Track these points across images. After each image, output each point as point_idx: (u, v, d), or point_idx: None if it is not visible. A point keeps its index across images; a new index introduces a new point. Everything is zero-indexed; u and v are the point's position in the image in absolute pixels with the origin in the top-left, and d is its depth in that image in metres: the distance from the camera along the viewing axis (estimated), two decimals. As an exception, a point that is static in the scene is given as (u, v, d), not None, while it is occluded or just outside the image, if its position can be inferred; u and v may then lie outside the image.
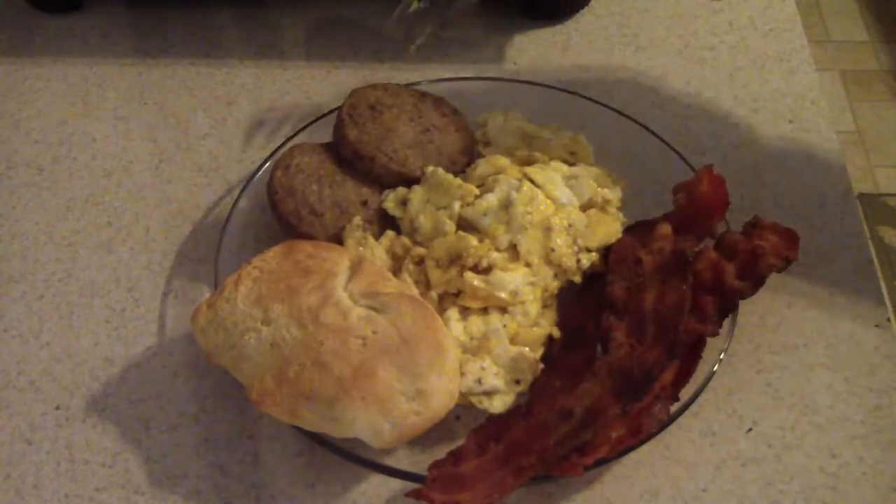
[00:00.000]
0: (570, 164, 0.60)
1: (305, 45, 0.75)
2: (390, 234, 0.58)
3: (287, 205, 0.58)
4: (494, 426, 0.50)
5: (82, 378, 0.56)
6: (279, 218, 0.59)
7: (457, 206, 0.56)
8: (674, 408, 0.51)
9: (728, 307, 0.54)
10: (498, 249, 0.55)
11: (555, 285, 0.55)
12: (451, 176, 0.58)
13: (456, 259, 0.54)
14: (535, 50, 0.75)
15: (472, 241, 0.54)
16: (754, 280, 0.54)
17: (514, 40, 0.76)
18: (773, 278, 0.55)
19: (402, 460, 0.51)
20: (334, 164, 0.60)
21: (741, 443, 0.53)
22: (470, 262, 0.54)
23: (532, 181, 0.57)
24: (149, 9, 0.78)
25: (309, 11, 0.77)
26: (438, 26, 0.71)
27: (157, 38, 0.76)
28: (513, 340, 0.53)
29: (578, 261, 0.56)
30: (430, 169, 0.58)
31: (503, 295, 0.53)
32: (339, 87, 0.72)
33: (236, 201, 0.60)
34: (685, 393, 0.51)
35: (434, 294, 0.54)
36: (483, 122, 0.64)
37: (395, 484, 0.51)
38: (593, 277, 0.56)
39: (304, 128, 0.64)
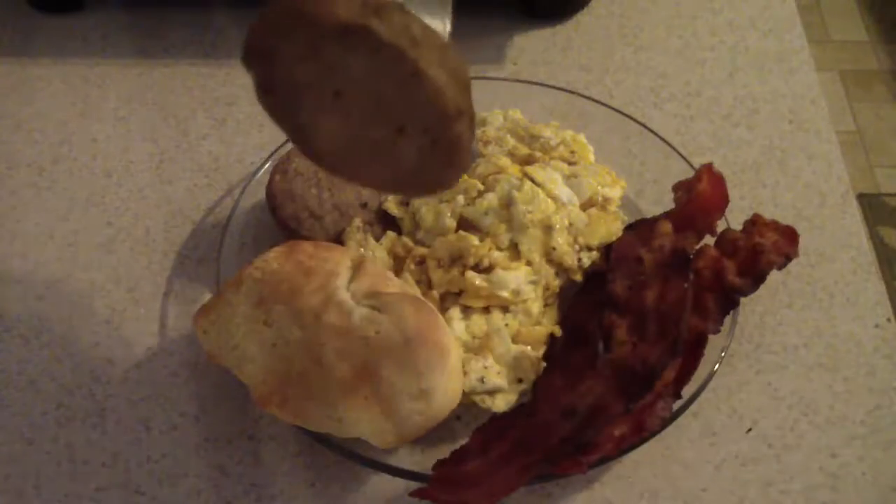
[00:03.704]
0: (571, 164, 0.60)
1: (305, 45, 0.75)
2: (391, 235, 0.58)
3: (287, 209, 0.58)
4: (498, 425, 0.50)
5: (82, 378, 0.56)
6: (279, 222, 0.59)
7: (461, 199, 0.56)
8: (675, 406, 0.51)
9: (729, 304, 0.54)
10: (499, 248, 0.55)
11: (556, 284, 0.55)
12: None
13: (457, 259, 0.54)
14: (535, 50, 0.75)
15: (474, 240, 0.55)
16: (755, 277, 0.54)
17: (514, 40, 0.76)
18: (773, 278, 0.56)
19: (403, 460, 0.51)
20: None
21: (741, 443, 0.53)
22: (471, 261, 0.54)
23: (532, 180, 0.57)
24: (149, 9, 0.77)
25: (309, 11, 0.77)
26: None
27: (157, 39, 0.76)
28: (515, 339, 0.53)
29: (579, 259, 0.56)
30: None
31: (505, 294, 0.53)
32: (339, 87, 0.71)
33: (237, 201, 0.60)
34: (686, 392, 0.51)
35: (436, 294, 0.54)
36: (483, 121, 0.64)
37: (396, 484, 0.51)
38: (594, 276, 0.56)
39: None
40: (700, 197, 0.57)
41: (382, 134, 0.39)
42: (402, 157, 0.39)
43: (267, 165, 0.62)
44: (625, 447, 0.49)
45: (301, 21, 0.36)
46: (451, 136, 0.38)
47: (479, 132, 0.63)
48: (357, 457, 0.49)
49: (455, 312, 0.54)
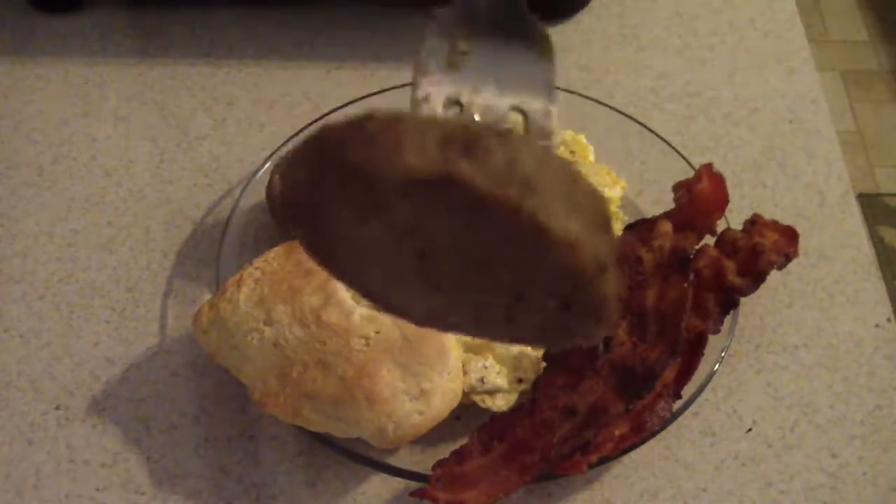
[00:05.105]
0: (571, 164, 0.60)
1: (305, 45, 0.75)
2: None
3: (287, 208, 0.58)
4: (498, 425, 0.50)
5: (82, 378, 0.56)
6: (280, 223, 0.59)
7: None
8: (675, 406, 0.51)
9: (729, 304, 0.54)
10: (499, 249, 0.55)
11: (556, 284, 0.55)
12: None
13: (457, 259, 0.54)
14: (535, 50, 0.75)
15: (473, 240, 0.54)
16: (755, 277, 0.54)
17: (514, 40, 0.75)
18: (773, 278, 0.55)
19: (403, 460, 0.51)
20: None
21: (741, 443, 0.53)
22: (471, 261, 0.54)
23: (532, 181, 0.57)
24: (149, 9, 0.77)
25: (309, 11, 0.77)
26: None
27: (157, 38, 0.76)
28: (514, 339, 0.53)
29: (579, 260, 0.56)
30: None
31: (504, 294, 0.53)
32: (339, 87, 0.72)
33: (237, 201, 0.60)
34: (686, 392, 0.51)
35: (435, 294, 0.54)
36: (483, 121, 0.64)
37: (396, 483, 0.51)
38: (594, 277, 0.56)
39: (305, 128, 0.64)
40: (700, 197, 0.57)
41: (491, 304, 0.29)
42: (521, 324, 0.30)
43: (267, 165, 0.62)
44: (625, 447, 0.49)
45: (352, 177, 0.25)
46: (590, 299, 0.28)
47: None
48: (357, 457, 0.49)
49: (455, 312, 0.54)
